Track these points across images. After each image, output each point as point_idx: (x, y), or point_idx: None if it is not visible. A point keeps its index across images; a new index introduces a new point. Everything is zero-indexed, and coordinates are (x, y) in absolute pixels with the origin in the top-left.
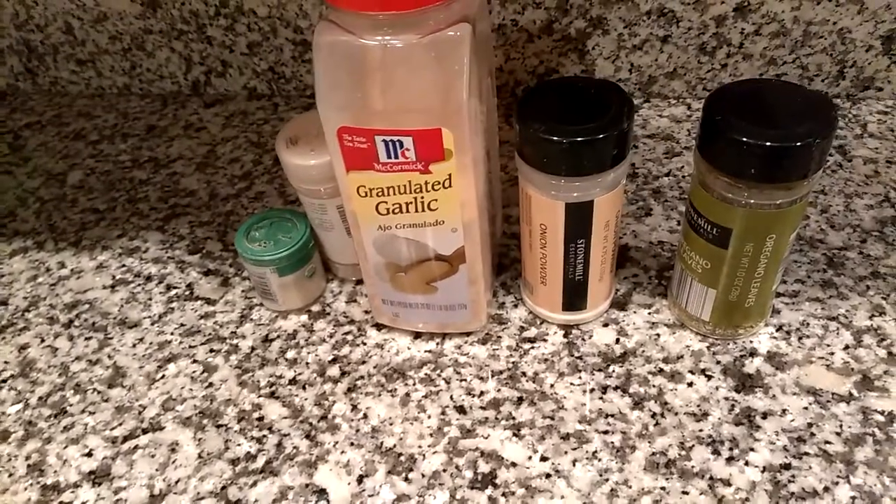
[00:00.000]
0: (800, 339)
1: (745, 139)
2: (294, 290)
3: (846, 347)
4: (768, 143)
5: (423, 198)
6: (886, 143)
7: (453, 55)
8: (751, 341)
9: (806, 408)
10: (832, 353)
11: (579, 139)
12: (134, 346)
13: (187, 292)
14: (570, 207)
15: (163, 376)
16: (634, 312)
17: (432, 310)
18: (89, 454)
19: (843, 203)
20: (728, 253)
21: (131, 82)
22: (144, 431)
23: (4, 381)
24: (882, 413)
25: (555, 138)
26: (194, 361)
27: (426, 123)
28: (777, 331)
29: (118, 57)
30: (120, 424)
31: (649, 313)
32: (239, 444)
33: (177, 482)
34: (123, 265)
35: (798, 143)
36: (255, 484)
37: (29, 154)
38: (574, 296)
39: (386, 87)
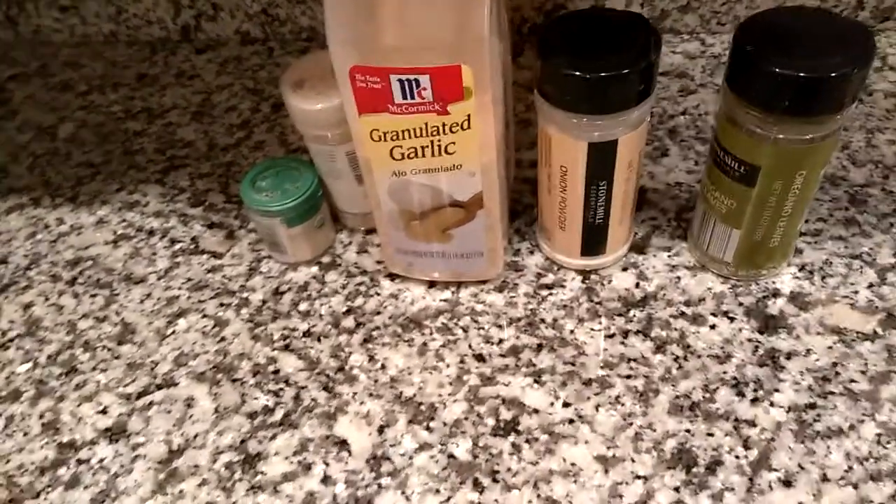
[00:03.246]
0: (823, 278)
1: (777, 70)
2: (303, 241)
3: (870, 286)
4: (802, 74)
5: (440, 141)
6: None
7: None
8: (773, 282)
9: (830, 347)
10: (856, 292)
11: (604, 74)
12: (141, 301)
13: (192, 246)
14: (593, 147)
15: (173, 332)
16: (654, 256)
17: (448, 258)
18: (104, 411)
19: (864, 139)
20: (755, 191)
21: (118, 29)
22: (159, 387)
23: (11, 340)
24: None
25: (578, 74)
26: (204, 316)
27: (444, 60)
28: (800, 270)
29: (102, 2)
30: (133, 381)
31: (669, 256)
32: (256, 398)
33: (195, 437)
34: (124, 220)
35: (833, 74)
36: (274, 437)
37: (16, 107)
38: (593, 240)
39: (401, 20)
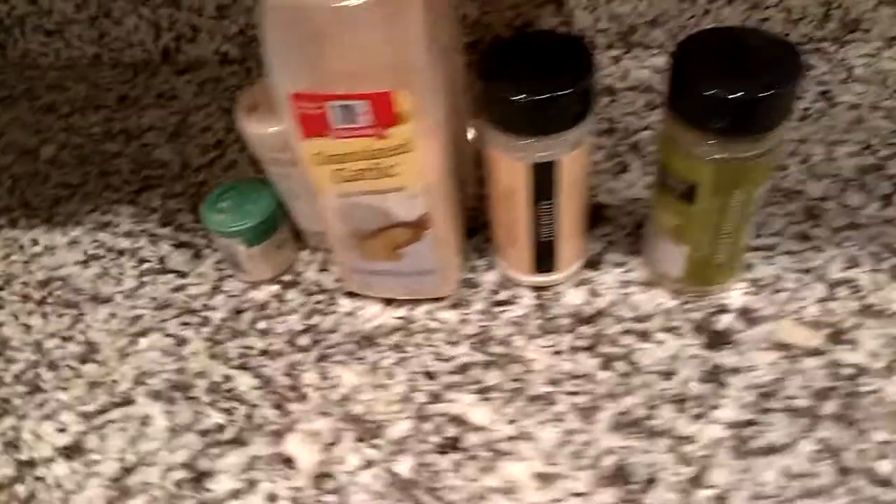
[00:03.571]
0: (772, 293)
1: (707, 91)
2: (263, 261)
3: (819, 301)
4: (729, 96)
5: (381, 163)
6: (872, 88)
7: (404, 15)
8: (723, 298)
9: (774, 363)
10: (804, 307)
11: (539, 97)
12: (106, 321)
13: (159, 265)
14: (534, 168)
15: (135, 351)
16: (608, 272)
17: (400, 276)
18: (63, 430)
19: (824, 151)
20: (695, 209)
21: (101, 52)
22: (116, 406)
23: None
24: (850, 366)
25: (514, 97)
26: (166, 335)
27: (379, 86)
28: (750, 286)
29: (85, 26)
30: (93, 400)
31: (623, 272)
32: (209, 416)
33: (148, 455)
34: (96, 240)
35: (760, 95)
36: (223, 454)
37: (2, 129)
38: (544, 257)
39: (335, 50)
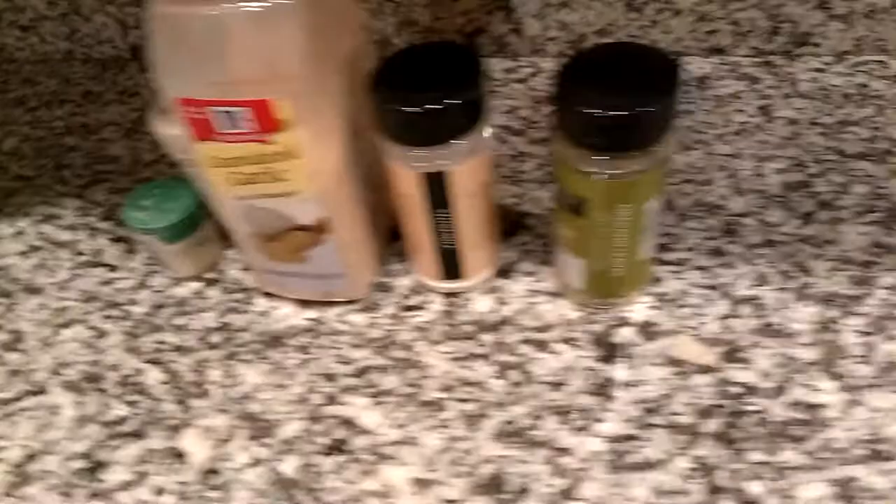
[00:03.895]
0: (675, 308)
1: (585, 109)
2: (184, 258)
3: (720, 318)
4: (606, 113)
5: (271, 168)
6: (814, 104)
7: (281, 25)
8: (627, 310)
9: (664, 379)
10: (704, 324)
11: (422, 108)
12: (35, 311)
13: (94, 259)
14: (426, 178)
15: (57, 341)
16: (518, 281)
17: (308, 279)
18: None
19: (753, 167)
20: (587, 223)
21: (73, 47)
22: (30, 394)
23: None
24: (739, 385)
25: (399, 107)
26: (89, 327)
27: (257, 94)
28: (655, 300)
29: (57, 22)
30: (10, 387)
31: (533, 282)
32: (114, 408)
33: (51, 443)
34: (40, 232)
35: (636, 112)
36: (122, 446)
37: None
38: (449, 265)
39: (213, 58)
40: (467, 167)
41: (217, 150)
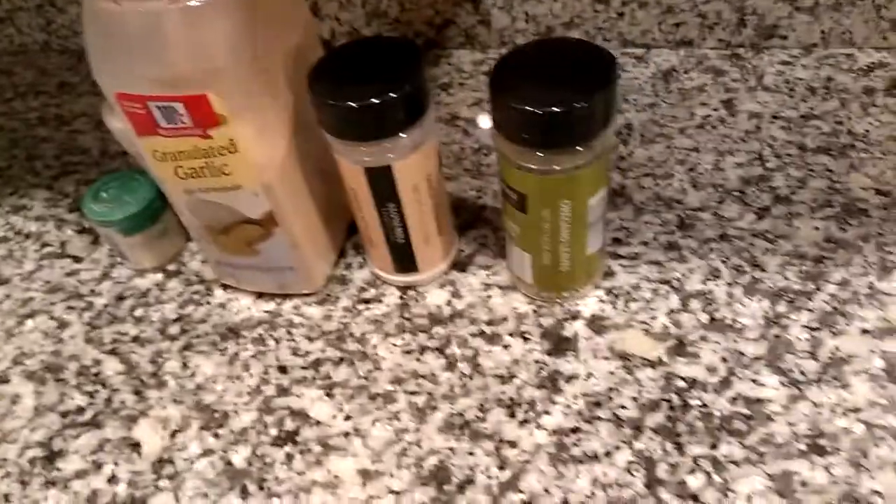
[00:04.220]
0: (626, 302)
1: (516, 106)
2: (144, 250)
3: (670, 312)
4: (537, 109)
5: (213, 162)
6: (777, 97)
7: (215, 20)
8: (579, 304)
9: (612, 372)
10: (654, 318)
11: (359, 104)
12: (0, 301)
13: (59, 250)
14: (370, 172)
15: (20, 331)
16: (473, 274)
17: (261, 272)
18: None
19: (713, 161)
20: (529, 218)
21: (50, 38)
22: None
23: None
24: (685, 380)
25: (335, 103)
26: (51, 318)
27: (192, 89)
28: (606, 294)
29: (33, 13)
30: None
31: (487, 275)
32: (72, 398)
33: (10, 432)
34: (8, 223)
35: (568, 108)
36: (78, 436)
37: None
38: (402, 258)
39: (149, 53)
40: (412, 161)
41: (159, 144)
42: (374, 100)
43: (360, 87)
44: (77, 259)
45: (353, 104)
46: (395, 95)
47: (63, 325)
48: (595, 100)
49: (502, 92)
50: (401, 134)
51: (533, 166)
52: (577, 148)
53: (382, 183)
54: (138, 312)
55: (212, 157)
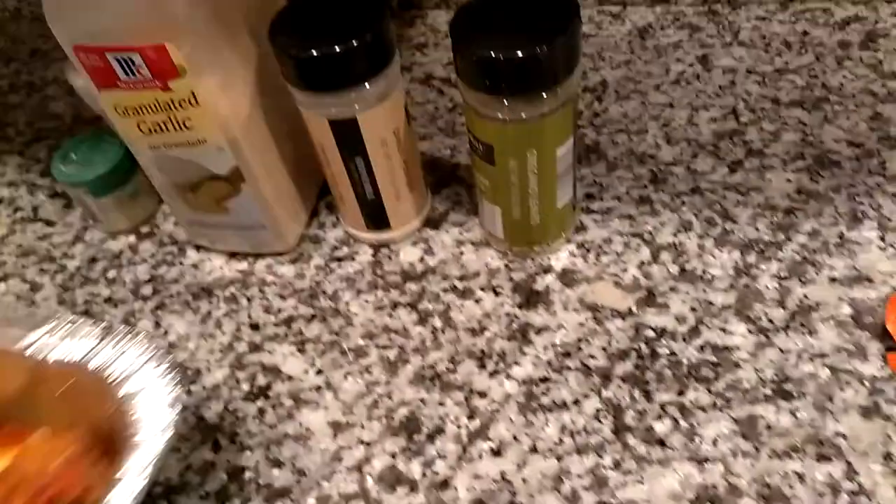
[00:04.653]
0: (598, 256)
1: (477, 54)
2: (116, 211)
3: (640, 264)
4: (499, 56)
5: (176, 115)
6: (752, 52)
7: None
8: (550, 259)
9: (582, 324)
10: (625, 270)
11: (318, 53)
12: None
13: (31, 214)
14: (335, 125)
15: None
16: (447, 231)
17: (232, 230)
18: None
19: (686, 116)
20: (497, 169)
21: (20, 5)
22: None
23: None
24: (654, 329)
25: (296, 53)
26: (24, 281)
27: (149, 39)
28: (578, 248)
29: None
30: None
31: (460, 232)
32: None
33: None
34: None
35: (529, 54)
36: None
37: None
38: (374, 215)
39: (101, 3)
40: (378, 113)
41: (121, 98)
42: (336, 48)
43: (321, 36)
44: (49, 223)
45: (315, 52)
46: (356, 44)
47: (35, 287)
48: (556, 44)
49: (464, 40)
50: (365, 84)
51: (499, 115)
52: (542, 94)
53: (349, 136)
54: (111, 274)
55: (173, 111)
